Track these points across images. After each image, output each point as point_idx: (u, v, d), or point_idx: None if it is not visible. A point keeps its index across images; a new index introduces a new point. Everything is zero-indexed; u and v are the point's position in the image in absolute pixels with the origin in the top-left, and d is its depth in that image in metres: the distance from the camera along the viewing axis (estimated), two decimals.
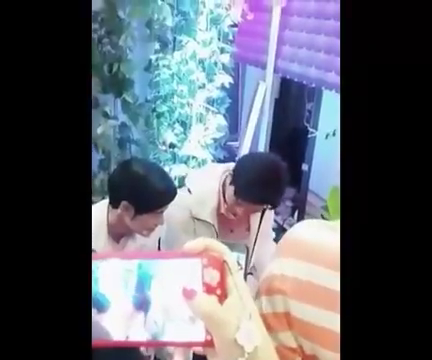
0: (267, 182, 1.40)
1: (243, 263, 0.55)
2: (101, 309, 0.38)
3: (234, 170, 1.47)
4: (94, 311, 0.38)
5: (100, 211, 1.43)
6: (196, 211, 1.55)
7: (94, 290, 0.38)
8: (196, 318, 0.39)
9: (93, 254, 0.39)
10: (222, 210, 1.52)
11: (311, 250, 0.61)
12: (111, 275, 0.38)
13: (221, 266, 0.40)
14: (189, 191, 1.59)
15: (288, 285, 0.59)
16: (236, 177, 1.46)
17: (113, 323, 0.38)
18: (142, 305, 0.38)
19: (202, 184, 1.60)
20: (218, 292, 0.39)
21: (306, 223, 0.67)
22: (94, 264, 0.39)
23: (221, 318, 0.39)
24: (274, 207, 1.54)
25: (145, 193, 1.35)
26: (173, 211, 1.51)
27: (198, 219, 1.56)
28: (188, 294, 0.38)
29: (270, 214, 1.74)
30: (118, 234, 1.47)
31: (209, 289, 0.38)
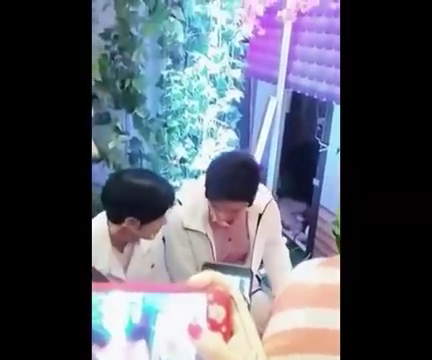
0: (232, 176, 1.38)
1: (248, 288, 0.54)
2: (102, 343, 0.37)
3: (207, 171, 1.48)
4: (95, 346, 0.37)
5: (100, 224, 1.42)
6: (187, 222, 1.56)
7: (97, 324, 0.37)
8: (202, 356, 0.37)
9: (95, 285, 0.38)
10: (214, 218, 1.51)
11: (313, 294, 0.58)
12: (115, 309, 0.38)
13: (227, 302, 0.38)
14: (179, 203, 1.59)
15: (302, 337, 0.57)
16: (206, 178, 1.46)
17: (115, 358, 0.37)
18: (146, 340, 0.37)
19: (192, 195, 1.61)
20: (223, 329, 0.37)
21: (303, 267, 0.66)
22: (97, 297, 0.38)
23: (226, 357, 0.37)
24: (249, 203, 1.49)
25: (150, 204, 1.35)
26: (167, 225, 1.52)
27: (190, 230, 1.56)
28: (193, 331, 0.37)
29: (274, 220, 1.72)
30: (122, 243, 1.47)
31: (214, 326, 0.37)
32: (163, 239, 1.64)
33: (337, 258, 0.61)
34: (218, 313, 0.38)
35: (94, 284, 0.39)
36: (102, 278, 0.53)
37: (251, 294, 0.54)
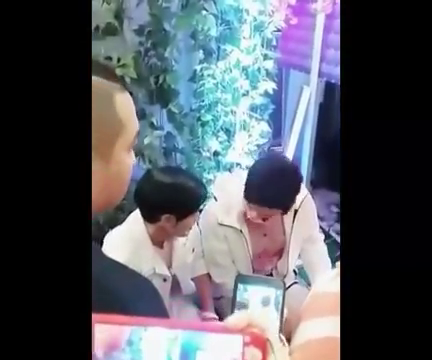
0: (272, 185, 1.38)
1: (281, 299, 0.55)
2: None
3: (248, 174, 1.48)
4: None
5: (138, 226, 1.46)
6: (222, 217, 1.57)
7: None
8: None
9: (132, 319, 0.38)
10: (248, 216, 1.52)
11: (335, 303, 0.59)
12: (154, 346, 0.38)
13: (263, 345, 0.38)
14: (215, 198, 1.61)
15: (325, 346, 0.58)
16: (247, 179, 1.46)
17: None
18: None
19: (227, 191, 1.62)
20: None
21: (326, 277, 0.66)
22: (137, 334, 0.38)
23: None
24: (284, 211, 1.50)
25: (184, 200, 1.38)
26: (201, 220, 1.54)
27: (225, 225, 1.58)
28: None
29: (310, 216, 1.71)
30: (160, 241, 1.51)
31: None
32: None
33: None
34: (254, 355, 0.38)
35: (133, 319, 0.39)
36: (149, 286, 0.55)
37: (284, 300, 0.55)
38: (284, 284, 0.55)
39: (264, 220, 1.52)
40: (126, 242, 1.40)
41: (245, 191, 1.45)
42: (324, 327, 0.59)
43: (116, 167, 0.57)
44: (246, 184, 1.45)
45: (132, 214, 1.52)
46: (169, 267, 1.54)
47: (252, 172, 1.47)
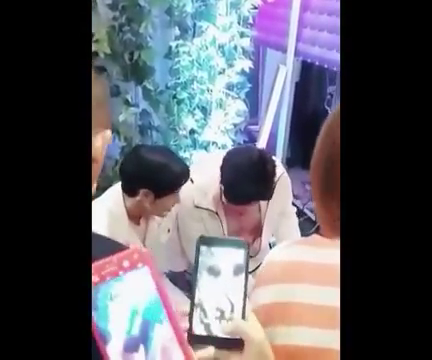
0: (253, 180, 1.40)
1: (246, 261, 0.56)
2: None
3: (221, 169, 1.48)
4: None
5: (116, 199, 1.47)
6: (198, 200, 1.59)
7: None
8: None
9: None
10: (224, 200, 1.53)
11: (292, 270, 0.63)
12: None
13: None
14: (191, 181, 1.62)
15: (278, 311, 0.60)
16: (223, 178, 1.47)
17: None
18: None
19: (204, 173, 1.64)
20: None
21: (281, 246, 0.69)
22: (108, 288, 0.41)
23: None
24: (266, 199, 1.54)
25: (164, 178, 1.39)
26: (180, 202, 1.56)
27: (201, 208, 1.60)
28: None
29: (285, 192, 1.74)
30: (137, 217, 1.52)
31: None
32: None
33: (312, 237, 0.66)
34: None
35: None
36: (122, 247, 0.55)
37: (248, 261, 0.56)
38: (247, 244, 0.56)
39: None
40: (102, 215, 1.40)
41: (226, 193, 1.47)
42: (267, 294, 0.62)
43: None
44: (222, 179, 1.47)
45: (110, 188, 1.52)
46: (143, 244, 1.55)
47: (227, 167, 1.47)
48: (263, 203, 1.68)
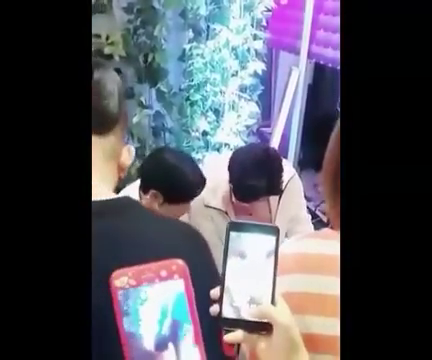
0: (260, 175, 1.41)
1: (276, 247, 0.57)
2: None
3: (228, 168, 1.50)
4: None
5: (132, 194, 1.48)
6: (208, 199, 1.60)
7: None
8: None
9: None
10: (233, 199, 1.55)
11: (304, 261, 0.65)
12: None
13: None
14: None
15: (292, 301, 0.61)
16: (231, 177, 1.49)
17: None
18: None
19: (214, 173, 1.65)
20: None
21: (293, 239, 0.71)
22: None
23: None
24: (276, 194, 1.54)
25: (176, 184, 1.38)
26: (191, 206, 1.57)
27: (211, 207, 1.61)
28: None
29: (296, 195, 1.74)
30: None
31: None
32: None
33: (323, 231, 0.70)
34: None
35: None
36: None
37: (277, 248, 0.57)
38: (278, 230, 0.56)
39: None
40: None
41: (235, 189, 1.48)
42: (286, 284, 0.64)
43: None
44: (231, 177, 1.48)
45: (130, 184, 1.54)
46: None
47: (235, 165, 1.49)
48: (273, 204, 1.69)
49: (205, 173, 1.69)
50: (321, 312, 0.62)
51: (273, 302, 0.54)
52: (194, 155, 2.52)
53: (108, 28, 2.16)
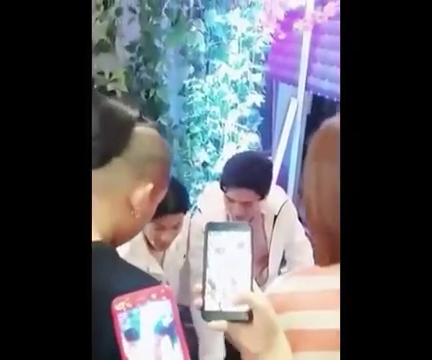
0: (244, 167, 1.51)
1: (251, 241, 0.63)
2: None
3: (221, 176, 1.60)
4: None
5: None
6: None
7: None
8: None
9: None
10: (229, 213, 1.61)
11: (292, 300, 0.70)
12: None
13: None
14: (199, 211, 1.70)
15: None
16: (222, 172, 1.59)
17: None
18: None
19: (211, 202, 1.72)
20: None
21: (278, 279, 0.77)
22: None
23: None
24: (260, 195, 1.56)
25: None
26: (191, 232, 1.63)
27: None
28: None
29: (290, 221, 1.78)
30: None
31: None
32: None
33: (308, 268, 0.73)
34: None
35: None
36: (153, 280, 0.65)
37: (253, 242, 0.61)
38: (252, 227, 0.61)
39: (244, 219, 1.59)
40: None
41: (221, 182, 1.56)
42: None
43: None
44: (222, 175, 1.58)
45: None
46: (161, 266, 1.64)
47: (226, 164, 1.61)
48: (268, 231, 1.74)
49: (201, 204, 1.75)
50: (315, 347, 0.66)
51: (251, 289, 0.59)
52: (194, 186, 2.60)
53: (111, 66, 2.26)
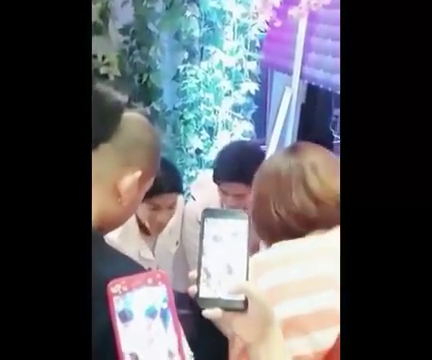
0: (237, 159, 1.53)
1: (247, 230, 0.62)
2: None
3: (215, 159, 1.65)
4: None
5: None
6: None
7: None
8: None
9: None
10: (223, 202, 1.63)
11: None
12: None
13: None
14: (193, 198, 1.69)
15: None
16: (215, 163, 1.62)
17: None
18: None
19: (205, 190, 1.72)
20: None
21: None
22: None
23: None
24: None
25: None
26: (184, 220, 1.62)
27: None
28: None
29: None
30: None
31: None
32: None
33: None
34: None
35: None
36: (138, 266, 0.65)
37: (249, 231, 0.61)
38: (248, 216, 0.61)
39: (244, 209, 1.60)
40: None
41: (215, 173, 1.56)
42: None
43: None
44: (215, 168, 1.57)
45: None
46: (152, 252, 1.62)
47: (219, 156, 1.63)
48: None
49: (195, 192, 1.74)
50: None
51: (247, 279, 0.58)
52: (187, 172, 2.58)
53: (104, 49, 2.22)
